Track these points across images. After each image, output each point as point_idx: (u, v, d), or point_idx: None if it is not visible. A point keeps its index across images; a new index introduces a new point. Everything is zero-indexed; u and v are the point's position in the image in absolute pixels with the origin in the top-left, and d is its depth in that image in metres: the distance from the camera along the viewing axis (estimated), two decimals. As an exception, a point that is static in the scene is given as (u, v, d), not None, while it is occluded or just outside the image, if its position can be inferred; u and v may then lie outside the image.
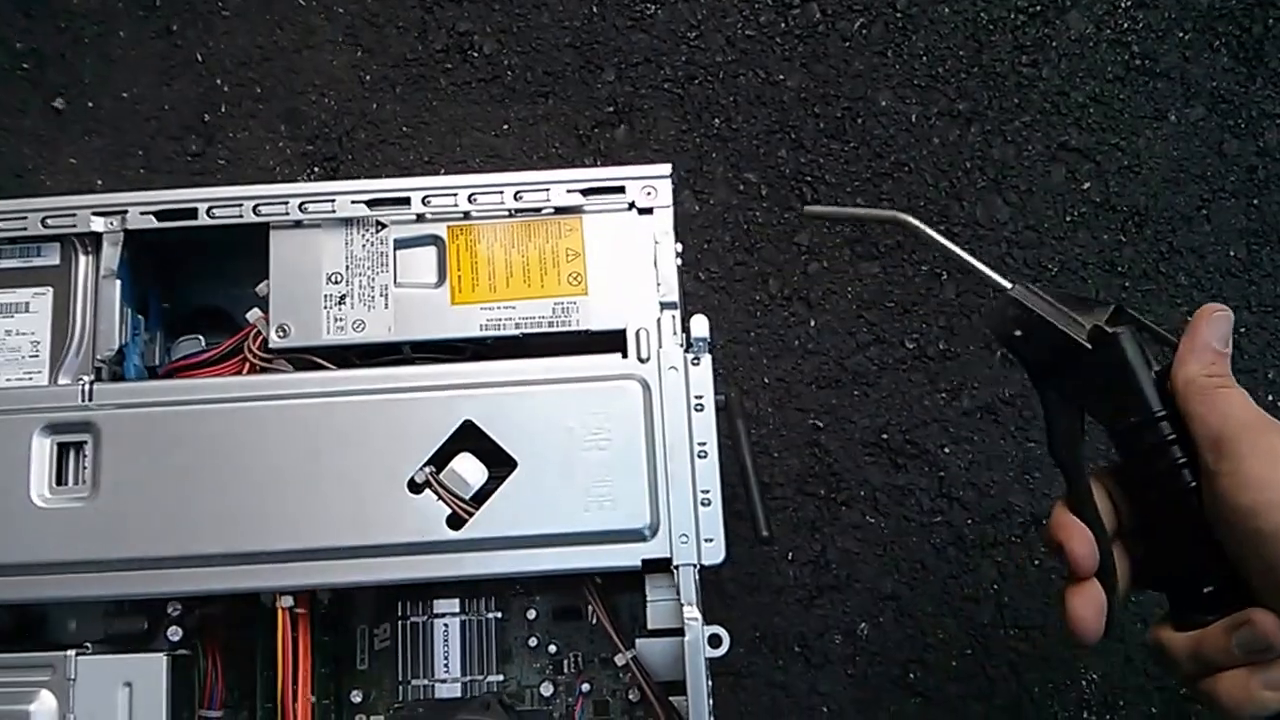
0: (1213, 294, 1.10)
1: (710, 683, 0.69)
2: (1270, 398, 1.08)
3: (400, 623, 0.77)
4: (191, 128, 1.13)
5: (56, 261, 0.80)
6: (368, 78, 1.13)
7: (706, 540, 0.72)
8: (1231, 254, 1.11)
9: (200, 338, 0.86)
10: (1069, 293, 0.70)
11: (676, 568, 0.72)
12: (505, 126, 1.12)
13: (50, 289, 0.79)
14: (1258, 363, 1.09)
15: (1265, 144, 1.14)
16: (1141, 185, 1.13)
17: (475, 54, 1.14)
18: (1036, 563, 1.03)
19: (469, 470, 0.73)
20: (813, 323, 1.08)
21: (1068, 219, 1.12)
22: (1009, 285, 0.69)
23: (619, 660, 0.75)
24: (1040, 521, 1.04)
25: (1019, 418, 1.06)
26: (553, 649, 0.78)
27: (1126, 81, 1.15)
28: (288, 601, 0.73)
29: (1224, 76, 1.15)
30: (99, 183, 1.11)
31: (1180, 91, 1.15)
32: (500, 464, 0.74)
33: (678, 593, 0.71)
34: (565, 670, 0.77)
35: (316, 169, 1.11)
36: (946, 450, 1.06)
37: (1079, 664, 1.01)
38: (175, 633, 0.73)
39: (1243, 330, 1.09)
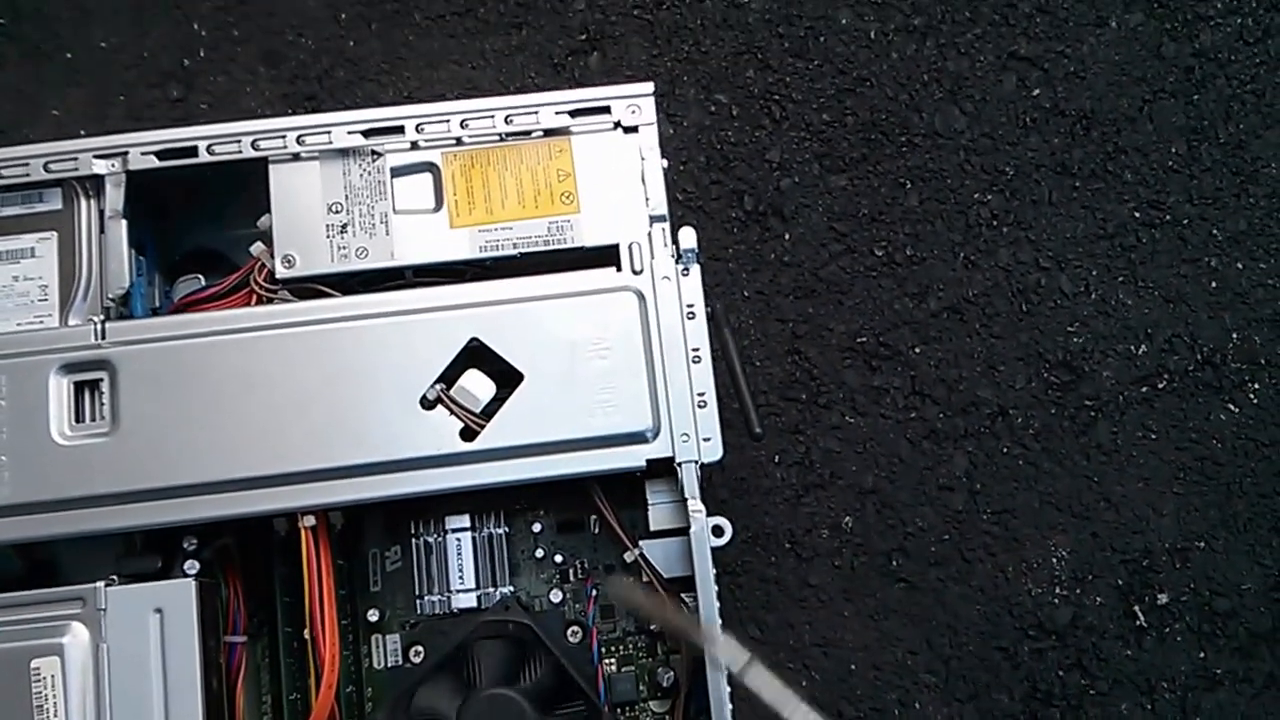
0: (1157, 190, 1.11)
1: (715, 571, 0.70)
2: (1213, 284, 1.10)
3: (414, 541, 0.77)
4: (171, 74, 1.10)
5: (59, 206, 0.78)
6: (343, 16, 1.11)
7: (705, 439, 0.73)
8: (1173, 150, 1.12)
9: (200, 277, 0.84)
10: None
11: (679, 465, 0.72)
12: (481, 58, 1.11)
13: (54, 233, 0.77)
14: (1200, 252, 1.10)
15: (1201, 45, 1.15)
16: (1087, 89, 1.13)
17: (447, -12, 1.12)
18: (1005, 450, 1.05)
19: (477, 385, 0.74)
20: (787, 236, 1.09)
21: (1020, 125, 1.12)
22: None
23: (628, 557, 0.75)
24: (1007, 412, 1.06)
25: (982, 315, 1.08)
26: (559, 559, 0.78)
27: (1070, -9, 1.15)
28: (310, 521, 0.72)
29: (1161, -18, 1.16)
30: (83, 132, 1.08)
31: (1120, -2, 1.15)
32: (507, 379, 0.74)
33: (681, 490, 0.72)
34: (571, 578, 0.78)
35: (298, 109, 1.09)
36: (917, 350, 1.07)
37: (1049, 542, 1.04)
38: (192, 566, 0.72)
39: (1185, 222, 1.11)
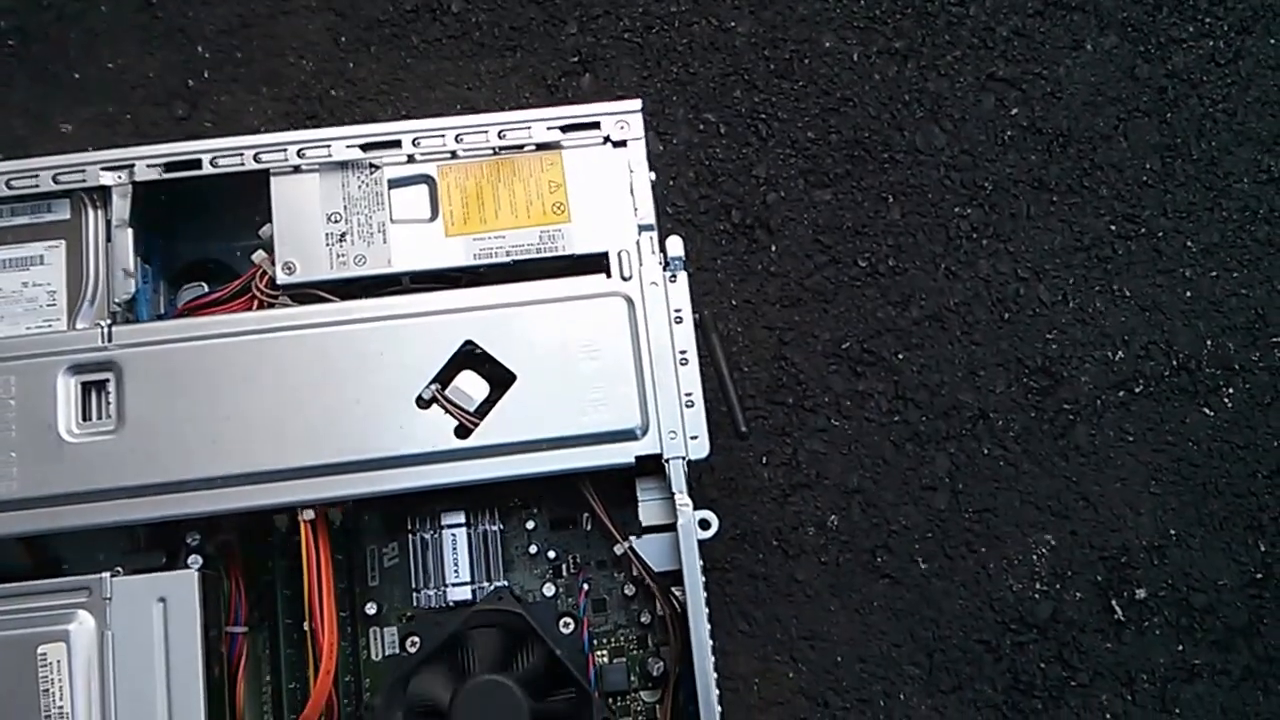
0: (1132, 205, 1.13)
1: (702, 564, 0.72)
2: (1187, 293, 1.12)
3: (410, 537, 0.78)
4: (177, 93, 1.13)
5: (67, 216, 0.80)
6: (343, 39, 1.14)
7: (692, 437, 0.75)
8: (1147, 166, 1.15)
9: (203, 285, 0.86)
10: None
11: (667, 461, 0.74)
12: (477, 80, 1.13)
13: (63, 242, 0.79)
14: (1175, 264, 1.12)
15: (1173, 66, 1.17)
16: (1064, 109, 1.16)
17: (444, 13, 1.14)
18: (985, 452, 1.07)
19: (472, 385, 0.75)
20: (773, 248, 1.11)
21: (998, 143, 1.14)
22: None
23: (618, 550, 0.77)
24: (988, 415, 1.07)
25: (963, 323, 1.10)
26: (551, 555, 0.79)
27: (1046, 15, 1.18)
28: (309, 515, 0.74)
29: (1133, 7, 1.18)
30: (90, 149, 1.10)
31: (1095, 22, 1.18)
32: (500, 380, 0.75)
33: (669, 485, 0.74)
34: (564, 573, 0.79)
35: (299, 127, 1.11)
36: (900, 357, 1.09)
37: (1029, 539, 1.05)
38: (195, 561, 0.74)
39: (1160, 235, 1.13)
